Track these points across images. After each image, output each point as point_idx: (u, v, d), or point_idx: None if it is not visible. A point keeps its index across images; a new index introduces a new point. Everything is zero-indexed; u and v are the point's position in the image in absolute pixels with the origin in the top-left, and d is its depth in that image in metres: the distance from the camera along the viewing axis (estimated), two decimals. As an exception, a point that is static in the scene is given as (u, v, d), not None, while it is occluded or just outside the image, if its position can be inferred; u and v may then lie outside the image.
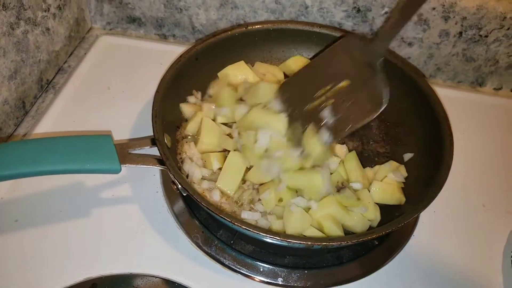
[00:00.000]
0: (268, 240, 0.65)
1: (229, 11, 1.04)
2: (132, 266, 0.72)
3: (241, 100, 0.85)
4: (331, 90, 0.77)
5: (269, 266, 0.73)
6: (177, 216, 0.78)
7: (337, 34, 0.93)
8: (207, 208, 0.65)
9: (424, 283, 0.75)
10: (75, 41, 1.08)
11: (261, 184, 0.77)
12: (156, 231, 0.77)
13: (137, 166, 0.72)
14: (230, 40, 0.92)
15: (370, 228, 0.76)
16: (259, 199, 0.75)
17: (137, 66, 1.03)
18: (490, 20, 0.96)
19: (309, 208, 0.73)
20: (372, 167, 0.84)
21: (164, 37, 1.14)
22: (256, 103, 0.82)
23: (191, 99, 0.88)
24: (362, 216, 0.75)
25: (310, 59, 0.97)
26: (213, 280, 0.72)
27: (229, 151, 0.80)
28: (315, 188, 0.74)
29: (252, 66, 0.95)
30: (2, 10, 0.81)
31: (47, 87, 1.00)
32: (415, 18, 0.97)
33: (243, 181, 0.78)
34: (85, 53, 1.06)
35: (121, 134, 0.89)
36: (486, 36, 0.99)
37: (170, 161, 0.70)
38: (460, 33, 0.99)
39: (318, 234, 0.72)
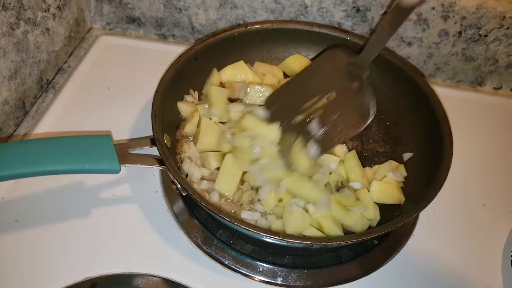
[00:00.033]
0: (268, 239, 0.65)
1: (228, 11, 1.04)
2: (131, 265, 0.72)
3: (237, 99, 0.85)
4: (319, 102, 0.77)
5: (269, 266, 0.73)
6: (176, 216, 0.78)
7: (337, 33, 0.93)
8: (206, 208, 0.66)
9: (423, 283, 0.75)
10: (75, 41, 1.08)
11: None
12: (155, 231, 0.77)
13: (137, 166, 0.72)
14: (230, 40, 0.91)
15: (370, 227, 0.76)
16: (259, 199, 0.75)
17: (137, 66, 1.03)
18: (489, 19, 0.96)
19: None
20: (371, 166, 0.84)
21: (163, 37, 1.14)
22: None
23: (188, 98, 0.88)
24: (362, 216, 0.75)
25: (310, 59, 0.97)
26: (213, 279, 0.72)
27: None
28: (312, 199, 0.74)
29: (252, 66, 0.95)
30: (2, 10, 0.81)
31: (47, 87, 1.00)
32: (414, 17, 0.97)
33: (242, 182, 0.77)
34: (85, 53, 1.06)
35: (120, 134, 0.89)
36: (486, 36, 0.99)
37: (169, 161, 0.70)
38: (460, 32, 0.99)
39: (317, 233, 0.72)
